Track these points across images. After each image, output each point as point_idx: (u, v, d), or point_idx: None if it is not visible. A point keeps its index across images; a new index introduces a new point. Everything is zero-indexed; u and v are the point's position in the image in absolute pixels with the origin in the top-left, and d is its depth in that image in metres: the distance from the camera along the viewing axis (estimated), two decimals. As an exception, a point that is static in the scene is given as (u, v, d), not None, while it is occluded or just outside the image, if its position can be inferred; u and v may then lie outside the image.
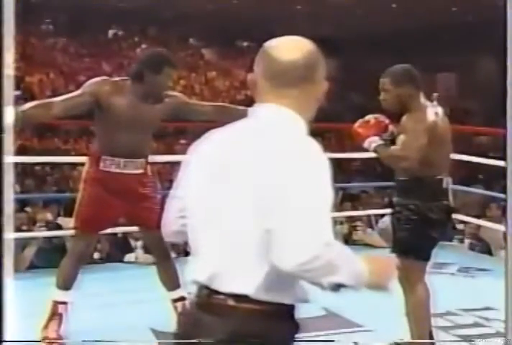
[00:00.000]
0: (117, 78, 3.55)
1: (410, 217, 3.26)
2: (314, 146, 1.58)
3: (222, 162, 1.61)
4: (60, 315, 3.53)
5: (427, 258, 3.33)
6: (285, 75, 1.63)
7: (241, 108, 3.70)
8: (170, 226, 1.80)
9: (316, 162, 1.55)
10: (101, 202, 3.49)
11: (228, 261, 1.59)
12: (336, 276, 1.52)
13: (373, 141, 3.27)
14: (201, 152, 1.69)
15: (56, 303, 3.54)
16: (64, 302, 3.54)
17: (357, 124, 3.34)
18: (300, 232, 1.49)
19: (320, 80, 1.68)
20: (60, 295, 3.54)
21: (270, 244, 1.52)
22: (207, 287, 1.62)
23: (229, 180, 1.59)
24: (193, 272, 1.67)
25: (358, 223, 6.07)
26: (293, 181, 1.52)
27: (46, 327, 3.51)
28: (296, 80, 1.64)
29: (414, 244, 3.26)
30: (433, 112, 3.27)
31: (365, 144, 3.29)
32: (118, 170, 3.48)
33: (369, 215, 6.35)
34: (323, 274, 1.51)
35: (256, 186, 1.54)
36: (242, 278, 1.58)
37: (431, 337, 3.40)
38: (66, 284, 3.54)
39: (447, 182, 3.29)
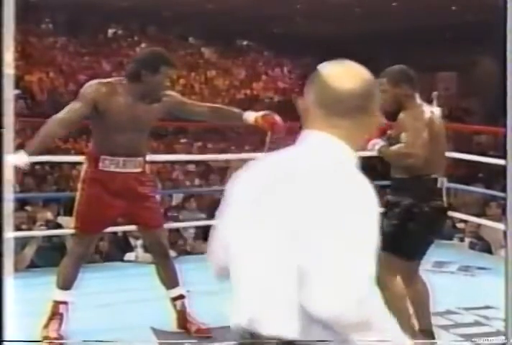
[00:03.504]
0: (112, 79, 3.53)
1: (399, 214, 3.26)
2: (364, 183, 1.49)
3: (264, 193, 1.52)
4: (61, 314, 3.52)
5: (411, 256, 3.31)
6: (339, 105, 1.55)
7: (237, 110, 3.71)
8: (216, 261, 1.68)
9: (363, 203, 1.46)
10: (100, 202, 3.48)
11: (267, 303, 1.50)
12: (368, 334, 1.44)
13: (376, 143, 3.31)
14: (244, 182, 1.60)
15: (57, 303, 3.53)
16: (64, 302, 3.54)
17: None
18: (334, 283, 1.40)
19: (374, 111, 1.59)
20: (61, 295, 3.54)
21: (301, 282, 1.43)
22: (249, 331, 1.54)
23: (270, 212, 1.49)
24: (233, 315, 1.60)
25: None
26: (335, 221, 1.42)
27: (46, 326, 3.51)
28: (350, 110, 1.55)
29: (396, 241, 3.25)
30: (429, 111, 3.30)
31: (369, 147, 3.31)
32: (117, 170, 3.48)
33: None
34: (353, 331, 1.44)
35: (297, 220, 1.44)
36: (284, 321, 1.48)
37: (432, 336, 3.40)
38: (66, 284, 3.54)
39: (442, 182, 3.30)
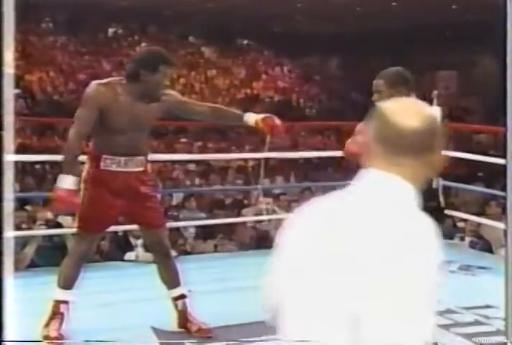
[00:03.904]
0: (111, 79, 3.52)
1: None
2: (428, 229, 1.43)
3: (320, 239, 1.46)
4: (62, 314, 3.52)
5: None
6: (402, 143, 1.48)
7: (237, 111, 3.72)
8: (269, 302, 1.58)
9: (427, 250, 1.40)
10: (102, 201, 3.49)
11: None
12: None
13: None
14: (300, 227, 1.52)
15: (58, 302, 3.53)
16: (65, 302, 3.53)
17: (348, 143, 3.38)
18: (390, 333, 1.36)
19: (438, 150, 1.52)
20: (62, 294, 3.54)
21: (353, 329, 1.37)
22: None
23: (327, 258, 1.43)
24: None
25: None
26: (397, 268, 1.37)
27: (47, 326, 3.51)
28: (414, 148, 1.49)
29: None
30: None
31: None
32: (119, 169, 3.48)
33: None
34: None
35: (355, 265, 1.39)
36: None
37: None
38: (68, 284, 3.54)
39: (437, 182, 3.31)
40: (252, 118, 3.60)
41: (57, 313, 3.52)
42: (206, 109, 3.71)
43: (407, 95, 3.31)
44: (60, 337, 3.47)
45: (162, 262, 3.67)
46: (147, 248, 5.19)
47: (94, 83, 3.47)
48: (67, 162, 3.38)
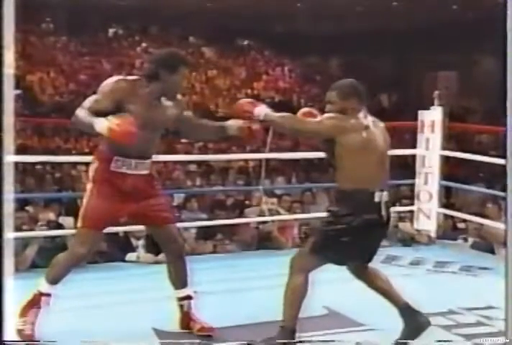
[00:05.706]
0: (133, 77, 3.52)
1: (334, 223, 3.30)
2: None
3: None
4: (41, 306, 3.48)
5: (325, 258, 3.34)
6: None
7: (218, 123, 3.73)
8: None
9: None
10: (109, 201, 3.46)
11: None
12: None
13: (262, 110, 3.47)
14: None
15: (40, 294, 3.50)
16: (49, 294, 3.51)
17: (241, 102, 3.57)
18: None
19: None
20: (47, 288, 3.50)
21: None
22: None
23: None
24: None
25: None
26: None
27: (24, 315, 3.45)
28: None
29: (320, 241, 3.32)
30: (366, 123, 3.33)
31: (255, 113, 3.45)
32: (129, 171, 3.47)
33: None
34: None
35: None
36: None
37: (413, 309, 3.42)
38: (55, 280, 3.52)
39: (380, 196, 3.31)
40: (232, 121, 3.65)
41: (36, 304, 3.49)
42: (203, 123, 3.76)
43: (358, 108, 3.35)
44: (32, 335, 3.42)
45: (174, 262, 3.64)
46: (148, 249, 5.19)
47: (115, 77, 3.48)
48: (86, 119, 3.32)
